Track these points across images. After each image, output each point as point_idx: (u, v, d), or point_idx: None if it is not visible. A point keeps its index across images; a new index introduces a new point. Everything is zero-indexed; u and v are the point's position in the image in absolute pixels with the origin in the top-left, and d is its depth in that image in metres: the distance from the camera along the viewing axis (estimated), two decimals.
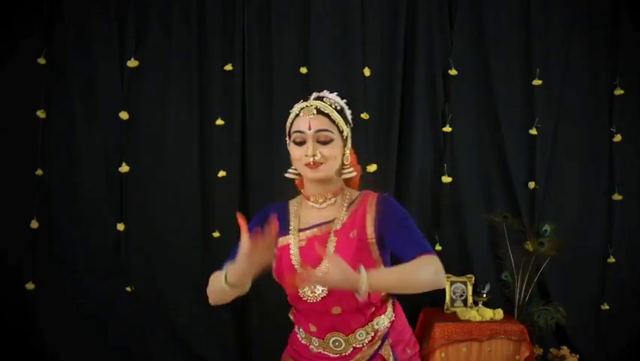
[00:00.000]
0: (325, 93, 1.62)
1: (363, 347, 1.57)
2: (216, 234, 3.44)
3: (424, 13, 3.54)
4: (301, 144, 1.53)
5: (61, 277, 3.36)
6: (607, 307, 3.57)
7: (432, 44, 3.55)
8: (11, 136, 3.34)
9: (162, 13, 3.46)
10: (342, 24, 3.54)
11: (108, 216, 3.42)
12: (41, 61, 3.33)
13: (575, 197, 3.62)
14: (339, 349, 1.57)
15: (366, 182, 3.49)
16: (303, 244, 1.56)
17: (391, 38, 3.53)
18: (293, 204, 1.67)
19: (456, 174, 3.54)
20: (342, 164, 1.59)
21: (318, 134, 1.52)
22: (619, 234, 3.59)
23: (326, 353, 1.59)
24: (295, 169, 1.61)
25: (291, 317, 1.70)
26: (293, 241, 1.57)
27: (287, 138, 1.61)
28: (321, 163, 1.52)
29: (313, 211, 1.61)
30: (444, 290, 3.34)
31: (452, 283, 3.36)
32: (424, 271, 1.40)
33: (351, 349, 1.57)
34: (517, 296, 3.41)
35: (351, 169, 1.61)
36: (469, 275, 3.38)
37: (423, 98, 3.55)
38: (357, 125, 3.56)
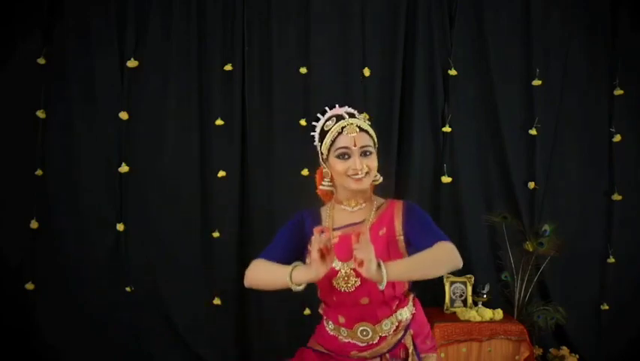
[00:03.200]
0: (352, 110, 1.81)
1: (388, 336, 1.74)
2: (216, 234, 3.44)
3: (424, 13, 3.54)
4: (345, 158, 1.70)
5: (61, 277, 3.37)
6: (607, 307, 3.58)
7: (432, 44, 3.55)
8: (11, 136, 3.34)
9: (162, 13, 3.46)
10: (342, 24, 3.54)
11: (108, 216, 3.42)
12: (41, 61, 3.33)
13: (574, 197, 3.62)
14: (366, 338, 1.73)
15: None
16: (336, 241, 1.72)
17: (391, 38, 3.53)
18: (324, 210, 1.85)
19: (456, 174, 3.55)
20: None
21: (363, 149, 1.71)
22: (619, 234, 3.60)
23: (354, 342, 1.75)
24: (330, 183, 1.79)
25: (320, 312, 1.85)
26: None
27: (323, 154, 1.76)
28: (366, 174, 1.71)
29: (345, 214, 1.79)
30: (444, 291, 3.34)
31: (452, 283, 3.36)
32: (440, 254, 1.60)
33: (378, 338, 1.73)
34: (516, 296, 3.41)
35: (378, 175, 1.80)
36: (468, 275, 3.38)
37: (423, 98, 3.55)
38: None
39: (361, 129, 1.72)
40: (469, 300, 3.33)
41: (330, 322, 1.80)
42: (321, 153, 1.77)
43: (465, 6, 3.58)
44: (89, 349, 3.34)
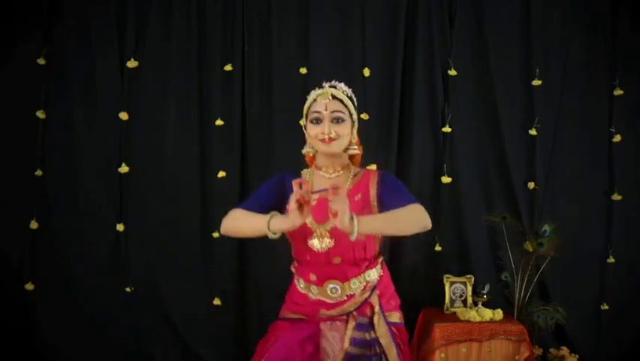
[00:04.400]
0: (335, 83, 1.95)
1: (355, 294, 1.87)
2: (216, 234, 3.44)
3: (424, 13, 3.54)
4: (318, 122, 1.86)
5: (61, 277, 3.37)
6: (606, 307, 3.58)
7: (432, 44, 3.55)
8: (11, 136, 3.34)
9: (162, 13, 3.46)
10: (342, 24, 3.54)
11: (108, 216, 3.42)
12: (41, 61, 3.33)
13: (574, 197, 3.62)
14: (335, 295, 1.87)
15: None
16: (314, 203, 1.79)
17: (391, 38, 3.53)
18: (305, 174, 2.00)
19: (456, 174, 3.54)
20: (349, 142, 1.92)
21: (333, 114, 1.85)
22: (618, 234, 3.60)
23: (323, 299, 1.88)
24: (310, 146, 1.93)
25: (293, 270, 1.99)
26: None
27: (304, 120, 1.93)
28: (334, 139, 1.84)
29: (323, 180, 1.93)
30: (444, 291, 3.34)
31: (452, 283, 3.36)
32: (411, 213, 1.72)
33: (346, 296, 1.87)
34: (516, 296, 3.41)
35: (356, 147, 1.95)
36: (468, 275, 3.38)
37: (423, 98, 3.55)
38: (359, 129, 3.51)
39: (334, 97, 1.87)
40: (469, 300, 3.33)
41: (301, 280, 1.93)
42: (304, 122, 1.94)
43: (465, 6, 3.58)
44: (89, 349, 3.35)
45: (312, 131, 1.87)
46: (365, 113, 3.43)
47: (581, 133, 3.63)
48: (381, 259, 1.98)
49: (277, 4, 3.50)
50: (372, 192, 1.87)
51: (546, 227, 3.40)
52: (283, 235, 1.81)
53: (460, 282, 3.37)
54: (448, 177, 3.51)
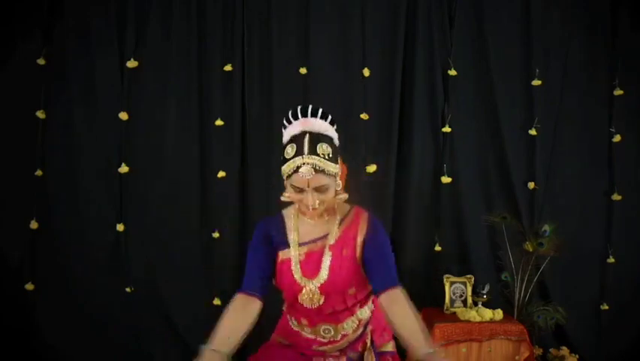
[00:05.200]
0: (314, 125, 1.67)
1: (349, 333, 1.83)
2: (216, 234, 3.44)
3: (424, 13, 3.54)
4: (299, 191, 1.65)
5: (61, 277, 3.37)
6: (606, 307, 3.58)
7: (432, 44, 3.55)
8: (11, 136, 3.34)
9: (162, 13, 3.45)
10: (342, 24, 3.54)
11: (108, 216, 3.42)
12: (41, 61, 3.33)
13: (574, 197, 3.62)
14: (328, 335, 1.82)
15: (367, 182, 3.51)
16: (303, 258, 1.76)
17: (391, 38, 3.53)
18: (288, 217, 1.83)
19: (456, 174, 3.54)
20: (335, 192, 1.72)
21: (316, 188, 1.64)
22: (618, 234, 3.60)
23: (317, 338, 1.84)
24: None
25: (284, 310, 1.94)
26: (294, 255, 1.77)
27: (284, 177, 1.68)
28: (320, 206, 1.67)
29: (309, 226, 1.80)
30: (444, 291, 3.34)
31: (452, 283, 3.36)
32: (411, 307, 1.64)
33: (340, 335, 1.83)
34: (516, 296, 3.41)
35: (343, 195, 1.75)
36: (468, 275, 3.38)
37: (423, 98, 3.54)
38: (357, 126, 3.54)
39: (317, 170, 1.61)
40: (469, 300, 3.33)
41: (294, 319, 1.88)
42: (281, 172, 1.69)
43: (465, 6, 3.58)
44: (89, 349, 3.34)
45: (293, 196, 1.69)
46: (365, 113, 3.43)
47: (581, 133, 3.63)
48: (372, 296, 1.87)
49: (277, 4, 3.50)
50: (358, 249, 1.74)
51: (546, 227, 3.40)
52: (274, 285, 1.81)
53: (460, 282, 3.37)
54: (448, 177, 3.51)
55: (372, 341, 1.86)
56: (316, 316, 1.79)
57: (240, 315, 1.70)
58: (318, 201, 1.65)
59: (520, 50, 3.60)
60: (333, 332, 1.81)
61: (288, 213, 1.84)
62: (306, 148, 1.62)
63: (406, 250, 3.49)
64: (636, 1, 3.57)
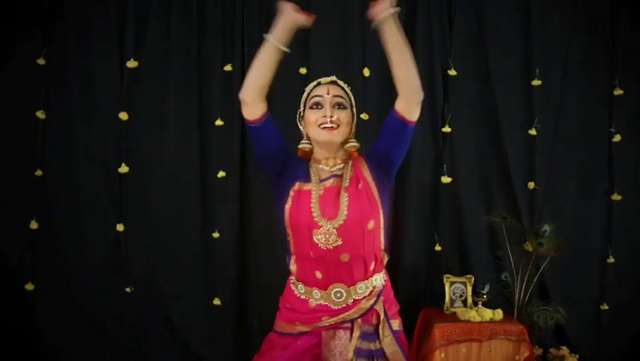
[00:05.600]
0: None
1: (361, 299, 1.77)
2: (216, 234, 3.44)
3: (423, 14, 3.54)
4: (318, 107, 1.81)
5: (61, 277, 3.37)
6: (606, 307, 3.58)
7: (432, 44, 3.55)
8: (11, 136, 3.34)
9: (162, 13, 3.45)
10: (342, 24, 3.54)
11: (108, 217, 3.42)
12: (41, 61, 3.33)
13: (574, 197, 3.63)
14: (340, 300, 1.76)
15: None
16: (322, 192, 1.79)
17: None
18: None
19: (455, 174, 3.54)
20: (349, 133, 1.86)
21: (335, 99, 1.82)
22: (618, 234, 3.60)
23: (327, 304, 1.76)
24: (307, 141, 1.88)
25: (292, 269, 1.85)
26: (314, 189, 1.80)
27: (301, 111, 1.89)
28: (336, 127, 1.79)
29: (325, 172, 1.86)
30: (444, 291, 3.34)
31: (452, 283, 3.36)
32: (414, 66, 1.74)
33: (352, 300, 1.76)
34: (516, 296, 3.41)
35: (355, 141, 1.88)
36: (468, 275, 3.38)
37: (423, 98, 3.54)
38: (357, 126, 3.55)
39: (336, 83, 1.86)
40: (469, 300, 3.33)
41: (301, 284, 1.81)
42: (300, 112, 1.90)
43: (465, 6, 3.58)
44: (89, 349, 3.34)
45: (311, 116, 1.82)
46: (365, 113, 3.43)
47: (581, 133, 3.63)
48: (386, 259, 1.89)
49: (276, 4, 3.49)
50: (368, 177, 1.83)
51: (546, 227, 3.40)
52: (284, 228, 1.80)
53: (460, 282, 3.36)
54: (448, 177, 3.51)
55: (385, 314, 1.80)
56: (331, 264, 1.74)
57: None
58: (336, 116, 1.78)
59: (520, 50, 3.60)
60: (345, 295, 1.75)
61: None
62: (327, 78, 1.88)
63: (406, 249, 3.49)
64: (636, 1, 3.57)
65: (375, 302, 1.79)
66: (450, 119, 3.54)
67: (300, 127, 1.92)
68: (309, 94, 1.86)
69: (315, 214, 1.75)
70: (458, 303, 3.34)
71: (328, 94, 1.80)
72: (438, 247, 3.52)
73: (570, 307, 3.42)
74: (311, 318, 1.78)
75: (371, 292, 1.79)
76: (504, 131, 3.57)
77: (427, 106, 3.55)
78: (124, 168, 3.39)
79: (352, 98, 1.90)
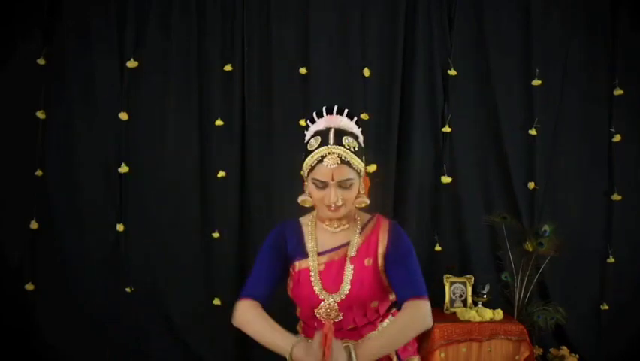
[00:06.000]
0: (340, 123, 1.63)
1: None
2: (216, 234, 3.44)
3: (423, 13, 3.54)
4: (322, 187, 1.58)
5: (61, 277, 3.37)
6: (606, 307, 3.58)
7: (432, 44, 3.55)
8: (11, 136, 3.34)
9: (162, 13, 3.45)
10: (342, 24, 3.53)
11: (108, 217, 3.42)
12: (41, 61, 3.33)
13: (574, 197, 3.63)
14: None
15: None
16: (322, 268, 1.64)
17: (391, 38, 3.53)
18: (306, 224, 1.72)
19: (455, 174, 3.54)
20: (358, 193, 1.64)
21: (340, 182, 1.57)
22: (618, 234, 3.60)
23: None
24: (309, 197, 1.64)
25: (299, 330, 1.76)
26: (313, 265, 1.65)
27: (304, 174, 1.63)
28: (341, 206, 1.59)
29: (327, 235, 1.69)
30: (444, 291, 3.34)
31: (452, 283, 3.36)
32: (412, 321, 1.57)
33: None
34: (516, 296, 3.41)
35: (364, 198, 1.65)
36: (468, 275, 3.38)
37: (422, 98, 3.55)
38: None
39: (342, 161, 1.56)
40: (469, 300, 3.33)
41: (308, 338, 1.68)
42: (302, 169, 1.64)
43: (465, 6, 3.58)
44: (89, 349, 3.34)
45: (315, 193, 1.60)
46: (365, 114, 3.43)
47: (581, 133, 3.64)
48: (394, 308, 1.74)
49: (277, 4, 3.50)
50: (381, 249, 1.64)
51: (546, 227, 3.40)
52: (288, 296, 1.71)
53: (460, 282, 3.37)
54: (448, 177, 3.51)
55: (397, 356, 1.69)
56: (337, 332, 1.61)
57: (264, 316, 1.63)
58: (340, 198, 1.57)
59: (520, 50, 3.60)
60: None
61: (306, 221, 1.73)
62: (332, 139, 1.57)
63: None
64: (636, 1, 3.57)
65: None
66: (450, 119, 3.54)
67: (304, 181, 1.66)
68: (312, 168, 1.58)
69: (316, 289, 1.63)
70: (458, 303, 3.35)
71: (332, 180, 1.56)
72: (438, 247, 3.52)
73: (570, 307, 3.43)
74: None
75: None
76: (504, 131, 3.57)
77: (427, 106, 3.56)
78: (124, 168, 3.39)
79: (360, 161, 1.63)
